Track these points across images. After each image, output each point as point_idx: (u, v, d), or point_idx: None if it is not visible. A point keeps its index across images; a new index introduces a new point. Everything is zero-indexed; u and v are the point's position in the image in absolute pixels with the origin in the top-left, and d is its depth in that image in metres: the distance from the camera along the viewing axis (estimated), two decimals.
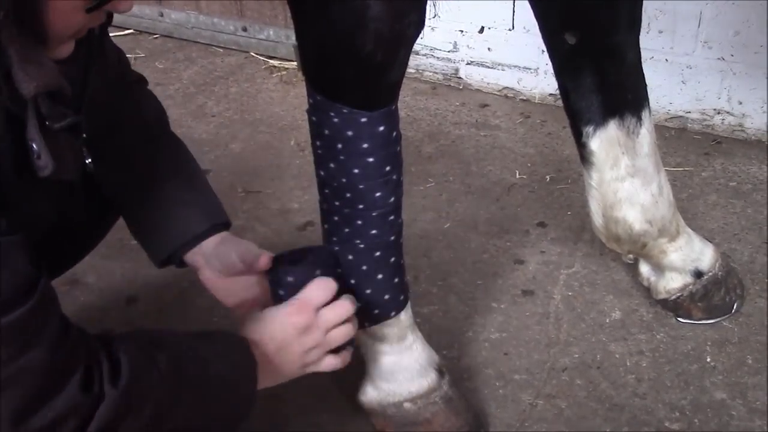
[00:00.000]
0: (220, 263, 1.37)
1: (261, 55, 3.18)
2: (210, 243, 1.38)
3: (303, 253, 1.36)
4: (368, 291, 1.41)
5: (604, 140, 1.60)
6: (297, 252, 1.37)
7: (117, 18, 1.16)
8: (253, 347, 1.21)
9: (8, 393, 0.91)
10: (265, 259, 1.35)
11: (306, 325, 1.26)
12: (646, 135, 1.61)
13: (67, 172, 1.01)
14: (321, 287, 1.30)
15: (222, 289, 1.40)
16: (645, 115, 1.60)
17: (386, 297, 1.43)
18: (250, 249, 1.37)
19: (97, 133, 1.24)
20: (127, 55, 1.48)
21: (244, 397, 1.20)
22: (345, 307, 1.31)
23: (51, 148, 0.94)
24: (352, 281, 1.40)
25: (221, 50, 3.26)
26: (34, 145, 0.92)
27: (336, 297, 1.31)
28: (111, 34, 1.32)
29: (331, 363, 1.33)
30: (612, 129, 1.59)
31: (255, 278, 1.38)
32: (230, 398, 1.18)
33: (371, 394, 1.52)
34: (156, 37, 3.36)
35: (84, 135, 1.16)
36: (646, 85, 1.61)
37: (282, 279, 1.32)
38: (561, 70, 1.59)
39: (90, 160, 1.19)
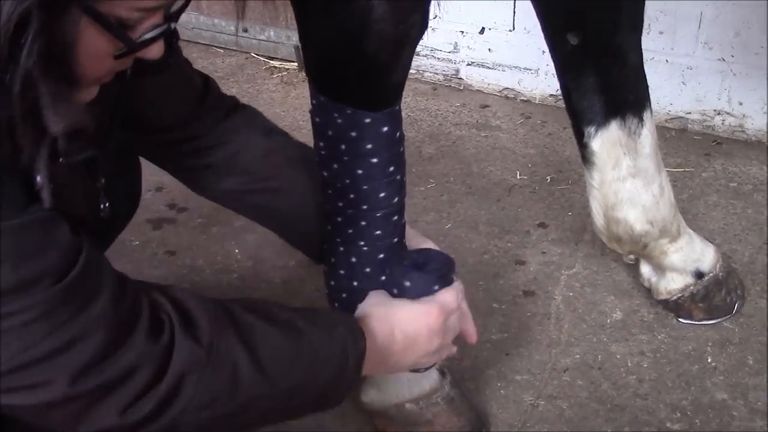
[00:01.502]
0: None
1: (262, 55, 3.18)
2: None
3: (426, 257, 1.39)
4: None
5: (605, 141, 1.60)
6: (421, 254, 1.40)
7: None
8: (373, 336, 1.20)
9: (74, 351, 0.92)
10: None
11: (438, 330, 1.29)
12: (647, 135, 1.61)
13: (72, 208, 1.01)
14: (457, 295, 1.33)
15: None
16: (647, 115, 1.60)
17: None
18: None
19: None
20: None
21: (340, 384, 1.17)
22: (467, 317, 1.37)
23: (57, 182, 0.94)
24: (355, 284, 1.40)
25: (222, 51, 3.26)
26: (38, 178, 0.92)
27: None
28: None
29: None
30: (614, 129, 1.59)
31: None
32: (323, 382, 1.15)
33: (373, 394, 1.52)
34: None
35: (103, 180, 1.16)
36: (647, 85, 1.61)
37: (399, 281, 1.34)
38: (563, 71, 1.59)
39: (107, 204, 1.18)
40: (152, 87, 1.29)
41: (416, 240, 1.47)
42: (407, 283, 1.33)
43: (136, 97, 1.22)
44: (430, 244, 1.46)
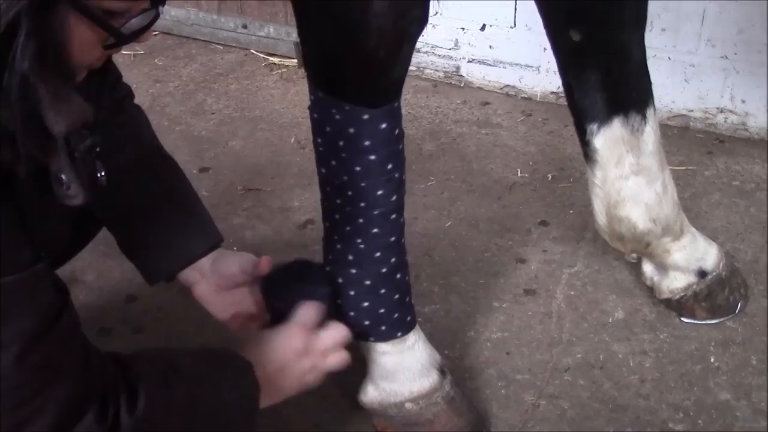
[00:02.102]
0: (219, 277, 1.41)
1: (261, 52, 3.16)
2: (205, 259, 1.43)
3: (294, 273, 1.41)
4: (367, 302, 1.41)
5: (608, 138, 1.58)
6: (289, 269, 1.41)
7: None
8: (254, 370, 1.22)
9: (39, 422, 0.93)
10: (265, 263, 1.39)
11: (303, 349, 1.30)
12: (650, 133, 1.59)
13: (85, 200, 1.00)
14: (311, 310, 1.34)
15: (215, 303, 1.44)
16: (650, 113, 1.59)
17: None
18: (249, 258, 1.42)
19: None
20: (126, 52, 1.46)
21: (248, 420, 1.21)
22: (340, 330, 1.36)
23: (78, 175, 0.94)
24: (352, 293, 1.39)
25: (221, 47, 3.24)
26: (64, 177, 0.92)
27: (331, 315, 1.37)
28: None
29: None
30: (616, 127, 1.57)
31: (247, 290, 1.43)
32: (236, 422, 1.20)
33: (372, 394, 1.51)
34: (155, 34, 3.32)
35: (97, 150, 1.15)
36: (651, 82, 1.59)
37: (273, 304, 1.37)
38: (565, 67, 1.57)
39: (103, 173, 1.18)
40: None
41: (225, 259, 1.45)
42: (280, 305, 1.35)
43: None
44: (249, 256, 1.44)
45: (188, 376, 1.14)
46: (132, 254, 1.47)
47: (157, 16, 0.95)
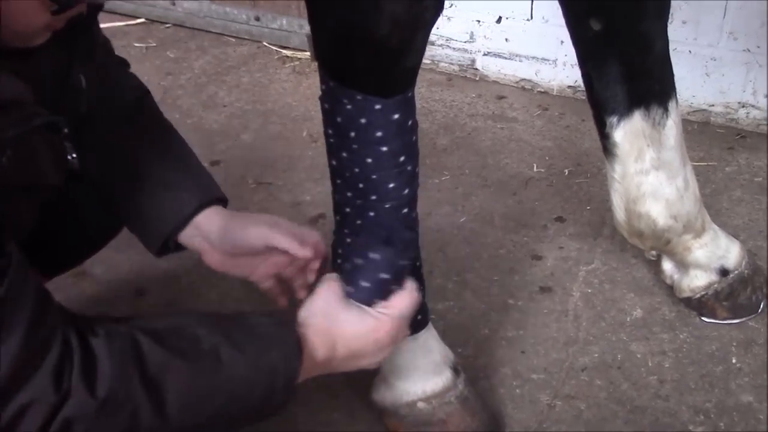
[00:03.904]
0: (231, 246, 1.28)
1: (274, 44, 3.13)
2: (212, 224, 1.28)
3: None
4: None
5: (628, 131, 1.54)
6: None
7: (128, 6, 1.13)
8: (312, 350, 1.12)
9: None
10: (313, 246, 1.27)
11: (388, 344, 1.19)
12: (672, 127, 1.55)
13: (44, 176, 0.96)
14: (412, 302, 1.22)
15: (237, 266, 1.31)
16: (672, 106, 1.54)
17: None
18: (267, 224, 1.27)
19: (78, 124, 1.18)
20: (138, 45, 1.43)
21: (268, 405, 1.11)
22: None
23: (18, 154, 0.89)
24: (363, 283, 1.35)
25: (233, 40, 3.21)
26: None
27: None
28: (122, 23, 1.28)
29: None
30: (637, 120, 1.53)
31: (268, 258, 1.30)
32: (246, 409, 1.09)
33: (384, 392, 1.48)
34: (168, 27, 3.31)
35: (65, 130, 1.07)
36: (673, 74, 1.55)
37: (354, 279, 1.23)
38: (585, 59, 1.53)
39: (75, 155, 1.10)
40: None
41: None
42: (364, 284, 1.22)
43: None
44: (265, 220, 1.29)
45: (196, 351, 1.04)
46: (131, 225, 1.35)
47: None
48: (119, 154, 1.32)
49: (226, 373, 1.05)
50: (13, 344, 0.89)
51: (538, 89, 2.77)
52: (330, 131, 1.28)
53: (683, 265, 1.73)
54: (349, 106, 1.22)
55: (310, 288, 1.27)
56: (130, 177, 1.30)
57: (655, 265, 1.84)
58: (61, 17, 0.97)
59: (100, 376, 0.95)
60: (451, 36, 2.83)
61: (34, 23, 0.93)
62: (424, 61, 1.27)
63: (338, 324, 1.16)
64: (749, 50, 2.39)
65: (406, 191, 1.30)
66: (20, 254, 0.94)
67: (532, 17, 2.67)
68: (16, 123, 0.91)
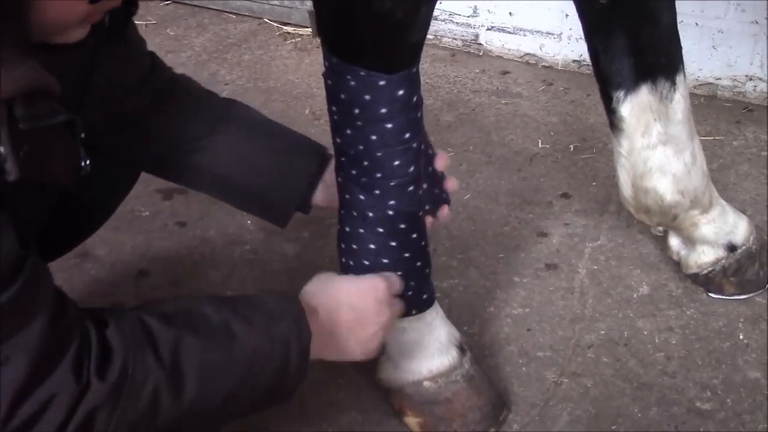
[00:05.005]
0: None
1: (275, 21, 3.10)
2: (329, 172, 1.44)
3: None
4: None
5: (635, 106, 1.52)
6: None
7: None
8: (320, 313, 1.17)
9: (7, 373, 0.87)
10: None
11: (386, 302, 1.25)
12: (680, 101, 1.53)
13: (55, 176, 0.95)
14: (398, 280, 1.32)
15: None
16: (679, 79, 1.52)
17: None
18: None
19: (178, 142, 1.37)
20: (138, 22, 1.41)
21: (284, 379, 1.12)
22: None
23: (33, 150, 0.88)
24: (366, 262, 1.34)
25: (234, 17, 3.18)
26: (2, 149, 0.85)
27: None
28: None
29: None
30: (644, 94, 1.50)
31: None
32: (264, 382, 1.10)
33: (389, 371, 1.47)
34: (167, 4, 3.28)
35: (83, 135, 1.06)
36: (681, 47, 1.52)
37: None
38: (591, 32, 1.50)
39: (88, 161, 1.09)
40: (107, 59, 1.22)
41: None
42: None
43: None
44: None
45: (207, 326, 1.05)
46: (250, 205, 1.52)
47: None
48: (228, 149, 1.45)
49: (239, 345, 1.06)
50: (34, 337, 0.89)
51: (543, 64, 2.74)
52: (334, 108, 1.26)
53: (690, 241, 1.72)
54: (352, 83, 1.20)
55: None
56: (240, 163, 1.45)
57: (662, 241, 1.82)
58: (99, 7, 0.94)
59: (113, 363, 0.95)
60: (454, 11, 2.80)
61: (70, 12, 0.91)
62: (427, 36, 1.24)
63: (338, 286, 1.24)
64: (757, 22, 2.36)
65: (412, 168, 1.29)
66: (35, 247, 0.94)
67: None
68: (39, 115, 0.88)
